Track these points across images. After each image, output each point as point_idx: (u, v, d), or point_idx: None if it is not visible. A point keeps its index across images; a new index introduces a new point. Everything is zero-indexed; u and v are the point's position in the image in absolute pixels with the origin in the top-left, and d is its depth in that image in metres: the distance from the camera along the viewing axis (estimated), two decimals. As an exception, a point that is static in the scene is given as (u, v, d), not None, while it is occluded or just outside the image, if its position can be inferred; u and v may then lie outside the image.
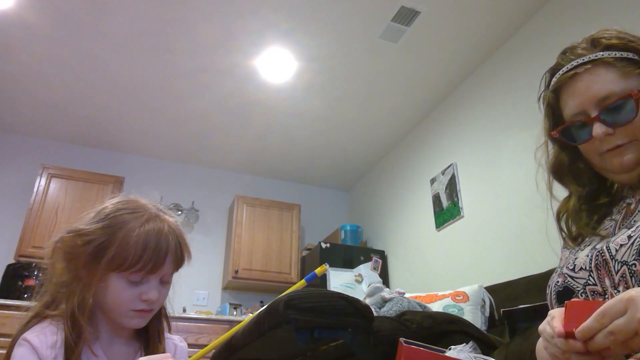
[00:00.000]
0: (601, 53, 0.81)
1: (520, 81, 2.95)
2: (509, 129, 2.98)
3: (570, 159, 0.90)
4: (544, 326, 0.67)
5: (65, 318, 0.83)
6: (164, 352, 0.93)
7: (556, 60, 0.89)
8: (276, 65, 3.40)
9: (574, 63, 0.83)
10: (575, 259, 0.81)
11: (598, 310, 0.56)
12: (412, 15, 2.95)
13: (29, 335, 0.80)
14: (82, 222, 0.89)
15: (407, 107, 3.89)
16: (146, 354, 0.91)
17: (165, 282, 0.91)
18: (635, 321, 0.52)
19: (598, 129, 0.78)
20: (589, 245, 0.82)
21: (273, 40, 3.18)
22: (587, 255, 0.78)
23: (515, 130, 2.90)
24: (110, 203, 0.92)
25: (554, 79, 0.87)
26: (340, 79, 3.55)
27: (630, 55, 0.80)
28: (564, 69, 0.85)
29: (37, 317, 0.85)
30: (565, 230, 0.89)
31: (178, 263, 0.92)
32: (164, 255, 0.86)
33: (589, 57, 0.81)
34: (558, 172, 0.92)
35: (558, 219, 0.91)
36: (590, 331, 0.56)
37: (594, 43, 0.84)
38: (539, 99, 0.93)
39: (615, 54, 0.80)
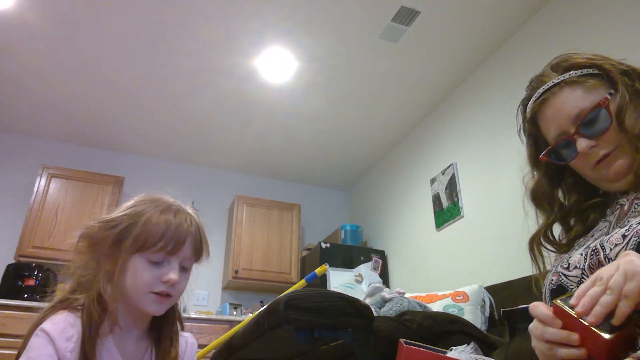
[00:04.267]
0: (563, 76, 0.85)
1: (520, 81, 2.93)
2: (509, 129, 2.98)
3: (550, 184, 0.94)
4: (535, 325, 0.69)
5: (88, 303, 0.84)
6: (176, 355, 0.94)
7: (525, 92, 0.94)
8: (276, 65, 3.40)
9: (541, 90, 0.88)
10: (570, 257, 0.83)
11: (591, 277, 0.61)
12: (412, 15, 2.95)
13: (47, 325, 0.80)
14: (108, 214, 0.94)
15: (407, 107, 3.89)
16: (156, 355, 0.93)
17: (185, 270, 0.93)
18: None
19: (582, 143, 0.81)
20: (583, 245, 0.84)
21: (273, 40, 3.18)
22: (581, 254, 0.80)
23: (516, 130, 2.90)
24: (134, 198, 0.97)
25: (528, 109, 0.92)
26: (340, 79, 3.55)
27: (592, 70, 0.84)
28: (534, 97, 0.90)
29: (61, 304, 0.86)
30: (552, 248, 0.95)
31: (197, 252, 0.94)
32: (184, 236, 0.90)
33: (553, 82, 0.86)
34: (536, 197, 0.97)
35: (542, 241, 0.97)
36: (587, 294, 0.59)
37: (555, 68, 0.89)
38: (519, 132, 0.99)
39: (577, 73, 0.85)
